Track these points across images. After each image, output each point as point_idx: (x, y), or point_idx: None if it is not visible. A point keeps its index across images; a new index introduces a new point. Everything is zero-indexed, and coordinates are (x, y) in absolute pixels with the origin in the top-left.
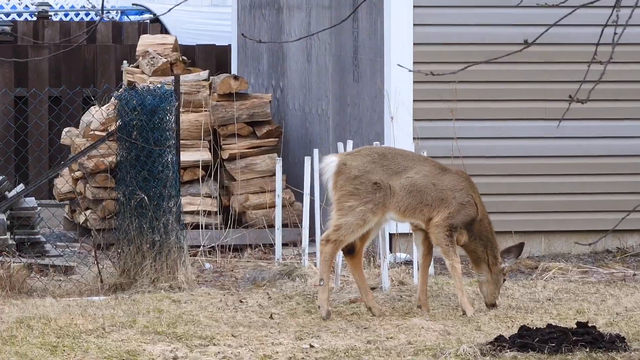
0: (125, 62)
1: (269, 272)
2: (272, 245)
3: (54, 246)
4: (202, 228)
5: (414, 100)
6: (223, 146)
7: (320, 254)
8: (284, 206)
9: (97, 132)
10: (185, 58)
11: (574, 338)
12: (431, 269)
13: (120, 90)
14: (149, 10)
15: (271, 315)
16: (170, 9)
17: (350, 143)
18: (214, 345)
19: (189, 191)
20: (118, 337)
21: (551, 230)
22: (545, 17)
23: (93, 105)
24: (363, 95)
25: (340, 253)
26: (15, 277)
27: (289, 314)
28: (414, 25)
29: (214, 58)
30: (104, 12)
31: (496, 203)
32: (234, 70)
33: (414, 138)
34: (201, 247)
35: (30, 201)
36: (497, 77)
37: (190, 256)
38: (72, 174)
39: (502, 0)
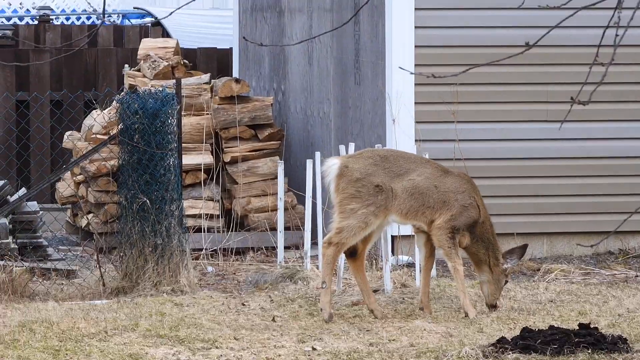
0: (126, 65)
1: (271, 275)
2: (274, 248)
3: (56, 250)
4: (204, 231)
5: (415, 103)
6: (225, 149)
7: (322, 257)
8: (286, 209)
9: (99, 136)
10: (186, 61)
11: (576, 340)
12: (433, 271)
13: (122, 93)
14: (150, 14)
15: (273, 318)
16: (171, 13)
17: (352, 146)
18: (217, 348)
19: (191, 194)
20: (120, 341)
21: (553, 232)
22: (547, 19)
23: (95, 108)
24: (364, 97)
25: (342, 256)
26: (18, 281)
27: (292, 317)
28: (416, 27)
29: (215, 61)
30: (105, 15)
31: (498, 205)
32: (235, 73)
33: (415, 140)
34: (203, 250)
35: (33, 205)
36: (498, 79)
37: (193, 259)
38: (74, 178)
39: (503, 2)
